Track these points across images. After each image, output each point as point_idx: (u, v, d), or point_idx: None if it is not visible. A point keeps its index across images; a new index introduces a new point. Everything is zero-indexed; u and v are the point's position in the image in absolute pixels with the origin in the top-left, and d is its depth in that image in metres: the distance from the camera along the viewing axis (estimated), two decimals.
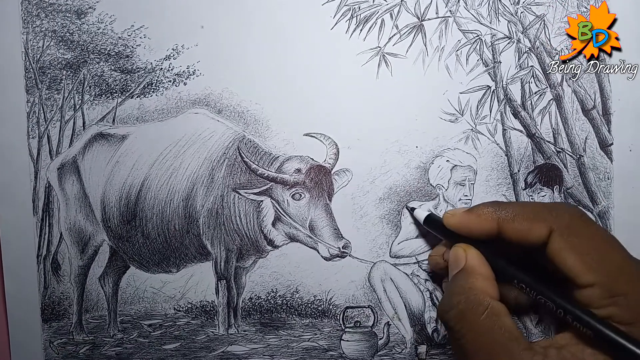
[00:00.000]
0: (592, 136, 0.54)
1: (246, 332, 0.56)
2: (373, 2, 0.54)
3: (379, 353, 0.55)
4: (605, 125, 0.54)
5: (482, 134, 0.55)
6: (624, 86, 0.54)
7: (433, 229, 0.51)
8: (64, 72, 0.55)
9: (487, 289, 0.43)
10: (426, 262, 0.55)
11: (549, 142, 0.55)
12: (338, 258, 0.55)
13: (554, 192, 0.55)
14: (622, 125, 0.54)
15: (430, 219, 0.51)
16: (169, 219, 0.56)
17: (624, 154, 0.54)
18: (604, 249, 0.41)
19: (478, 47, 0.54)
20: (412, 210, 0.54)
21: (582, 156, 0.54)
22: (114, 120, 0.55)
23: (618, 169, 0.54)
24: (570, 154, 0.55)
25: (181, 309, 0.56)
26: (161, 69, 0.55)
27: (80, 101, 0.55)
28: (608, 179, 0.54)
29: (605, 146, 0.54)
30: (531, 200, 0.55)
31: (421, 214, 0.52)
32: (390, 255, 0.55)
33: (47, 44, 0.55)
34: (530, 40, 0.54)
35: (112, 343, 0.56)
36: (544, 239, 0.42)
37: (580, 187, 0.55)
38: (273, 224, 0.55)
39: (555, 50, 0.54)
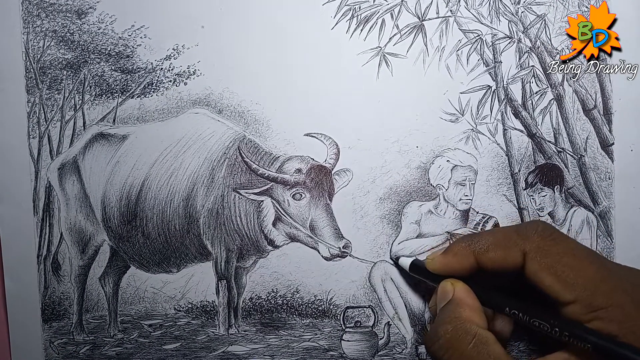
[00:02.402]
0: (593, 136, 0.54)
1: (246, 332, 0.56)
2: (374, 2, 0.54)
3: (379, 353, 0.55)
4: (606, 125, 0.54)
5: (483, 134, 0.55)
6: (624, 86, 0.54)
7: (421, 276, 0.50)
8: (65, 72, 0.55)
9: (474, 318, 0.43)
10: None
11: (549, 142, 0.55)
12: (338, 258, 0.55)
13: (554, 192, 0.55)
14: (623, 125, 0.54)
15: (415, 265, 0.51)
16: (169, 219, 0.56)
17: (625, 154, 0.54)
18: (577, 264, 0.41)
19: (479, 46, 0.54)
20: (397, 260, 0.53)
21: (583, 156, 0.54)
22: (114, 120, 0.55)
23: (619, 169, 0.54)
24: (571, 153, 0.55)
25: (181, 309, 0.56)
26: (161, 69, 0.55)
27: (80, 101, 0.55)
28: (609, 179, 0.54)
29: (606, 146, 0.54)
30: (532, 200, 0.55)
31: (406, 262, 0.52)
32: (390, 255, 0.55)
33: (48, 44, 0.55)
34: (531, 40, 0.54)
35: (113, 343, 0.56)
36: (521, 263, 0.43)
37: (581, 187, 0.54)
38: (273, 224, 0.55)
39: (556, 50, 0.54)
